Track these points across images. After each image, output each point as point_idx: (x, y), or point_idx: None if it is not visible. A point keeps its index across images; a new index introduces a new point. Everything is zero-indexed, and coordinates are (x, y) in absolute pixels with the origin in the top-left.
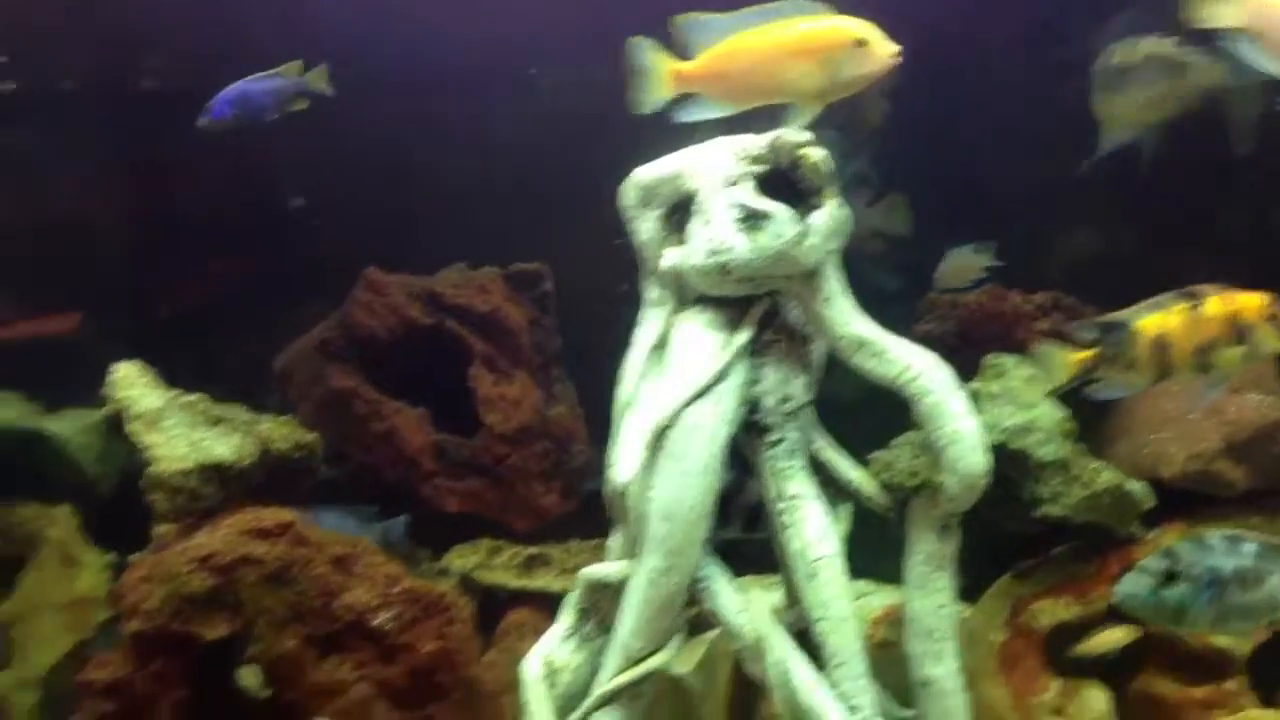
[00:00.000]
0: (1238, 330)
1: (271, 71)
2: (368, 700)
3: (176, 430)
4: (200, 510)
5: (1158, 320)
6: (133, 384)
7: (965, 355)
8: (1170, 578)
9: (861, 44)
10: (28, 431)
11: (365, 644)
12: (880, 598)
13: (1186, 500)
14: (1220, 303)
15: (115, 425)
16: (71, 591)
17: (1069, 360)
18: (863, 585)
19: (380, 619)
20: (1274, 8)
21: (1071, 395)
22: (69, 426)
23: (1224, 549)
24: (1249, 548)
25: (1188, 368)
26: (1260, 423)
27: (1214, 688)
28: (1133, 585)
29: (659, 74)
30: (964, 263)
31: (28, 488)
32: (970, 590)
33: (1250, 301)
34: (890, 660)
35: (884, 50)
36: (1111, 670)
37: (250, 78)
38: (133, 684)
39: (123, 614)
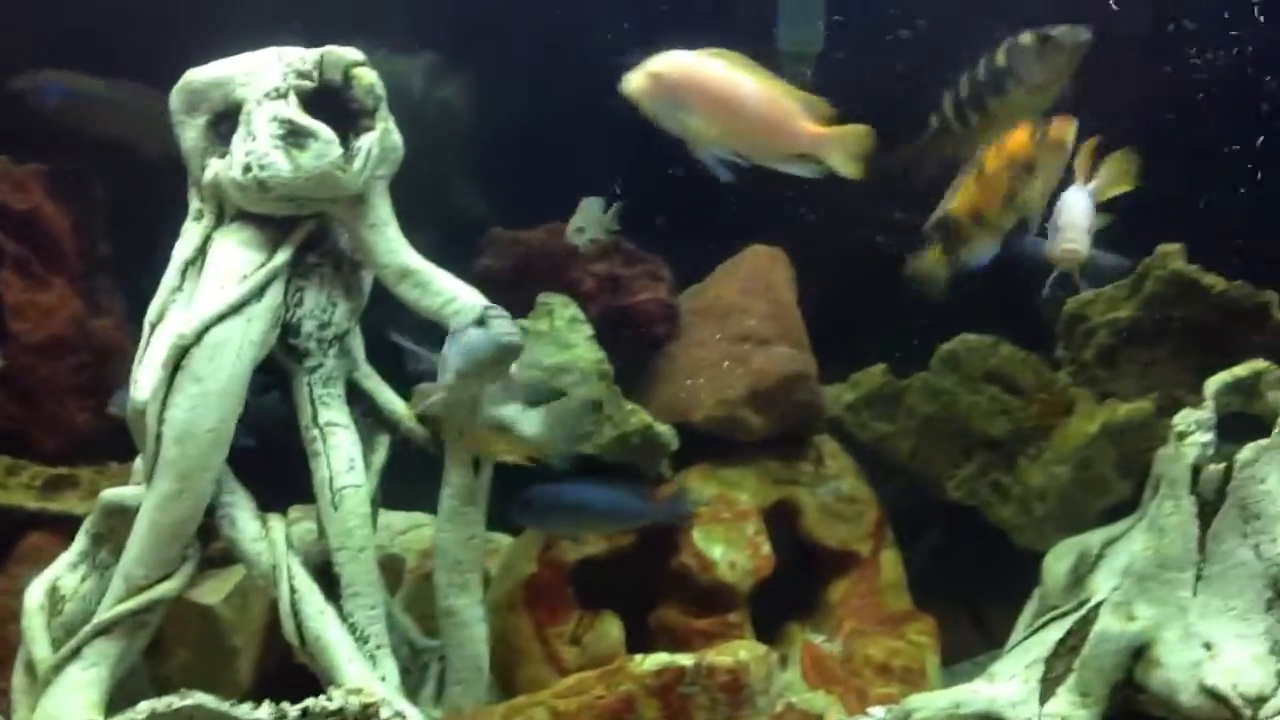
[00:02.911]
0: (1025, 167)
1: None
2: None
3: None
4: None
5: (962, 199)
6: None
7: (523, 292)
8: None
9: None
10: None
11: None
12: (432, 530)
13: (714, 442)
14: (995, 155)
15: None
16: None
17: (937, 260)
18: (419, 517)
19: None
20: None
21: (611, 340)
22: None
23: None
24: None
25: (1008, 215)
26: (781, 373)
27: (718, 619)
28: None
29: None
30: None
31: None
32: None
33: (1018, 139)
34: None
35: None
36: (632, 602)
37: None
38: None
39: None
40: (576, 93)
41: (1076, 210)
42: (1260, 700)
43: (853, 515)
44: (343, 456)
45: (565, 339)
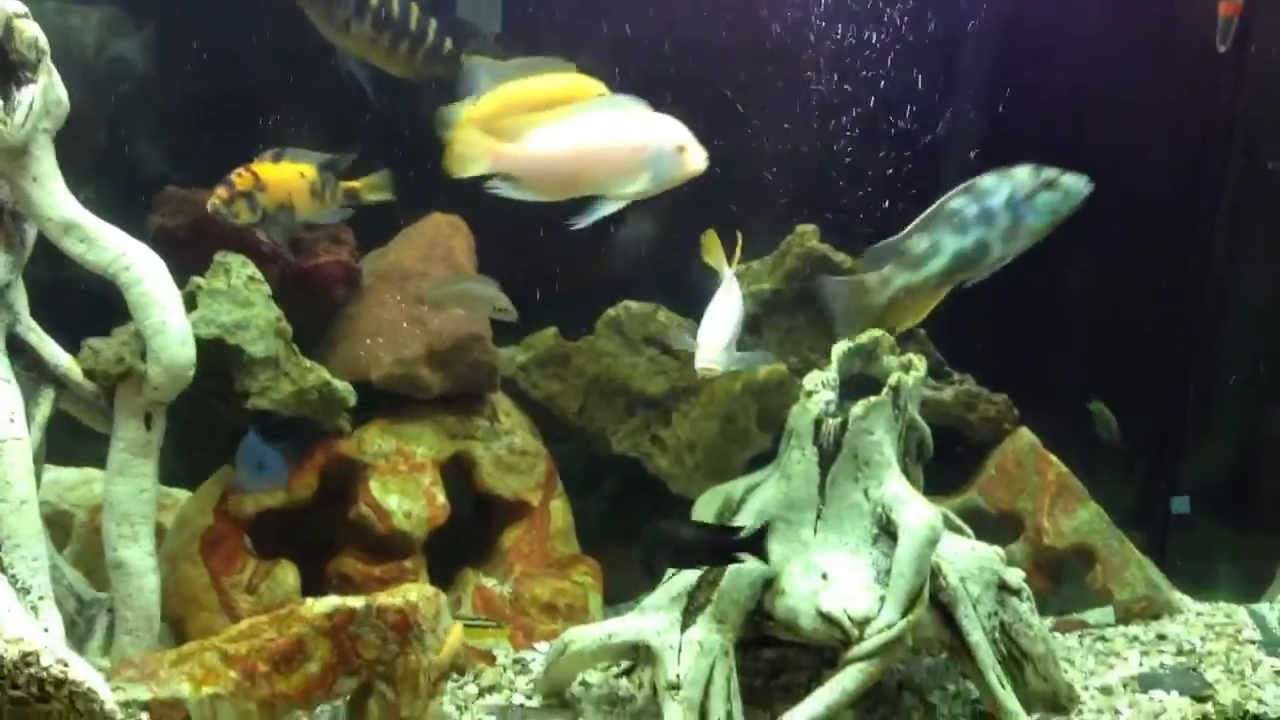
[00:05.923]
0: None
1: None
2: None
3: None
4: None
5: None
6: None
7: (199, 251)
8: None
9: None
10: None
11: None
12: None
13: (392, 399)
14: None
15: None
16: None
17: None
18: (90, 472)
19: None
20: None
21: (289, 300)
22: None
23: None
24: None
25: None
26: (457, 335)
27: (394, 566)
28: None
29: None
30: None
31: None
32: (196, 477)
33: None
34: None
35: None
36: (312, 553)
37: None
38: None
39: None
40: (261, 50)
41: (718, 325)
42: (866, 621)
43: (525, 468)
44: (2, 410)
45: (243, 297)
